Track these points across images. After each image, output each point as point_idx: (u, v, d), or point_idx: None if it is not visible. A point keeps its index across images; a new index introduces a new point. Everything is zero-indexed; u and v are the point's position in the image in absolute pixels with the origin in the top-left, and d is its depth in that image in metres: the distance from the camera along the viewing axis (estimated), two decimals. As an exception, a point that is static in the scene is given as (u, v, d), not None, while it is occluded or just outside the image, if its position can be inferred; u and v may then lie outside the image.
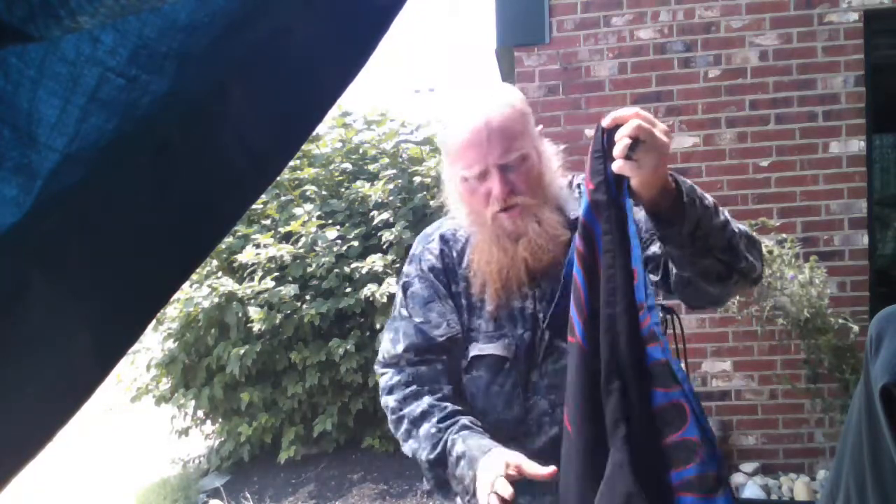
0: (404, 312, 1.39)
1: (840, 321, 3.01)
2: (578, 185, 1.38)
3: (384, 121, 5.16)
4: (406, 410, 1.31)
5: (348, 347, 4.07)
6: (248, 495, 4.03)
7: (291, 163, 5.12)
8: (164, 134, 0.47)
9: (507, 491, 1.07)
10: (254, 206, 4.97)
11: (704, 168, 3.57)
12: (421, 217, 4.50)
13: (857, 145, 3.48)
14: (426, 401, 1.30)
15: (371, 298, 4.10)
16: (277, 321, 4.13)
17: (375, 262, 4.18)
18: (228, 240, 4.59)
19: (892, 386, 0.95)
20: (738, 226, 1.24)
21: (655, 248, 1.29)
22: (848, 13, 3.45)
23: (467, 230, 1.37)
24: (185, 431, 4.69)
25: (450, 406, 1.30)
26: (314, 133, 5.14)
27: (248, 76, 0.48)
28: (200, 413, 4.68)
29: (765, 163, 3.54)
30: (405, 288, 1.41)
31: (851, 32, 3.46)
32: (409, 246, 4.84)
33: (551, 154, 1.37)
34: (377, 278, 4.19)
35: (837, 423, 3.14)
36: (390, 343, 1.40)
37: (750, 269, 1.23)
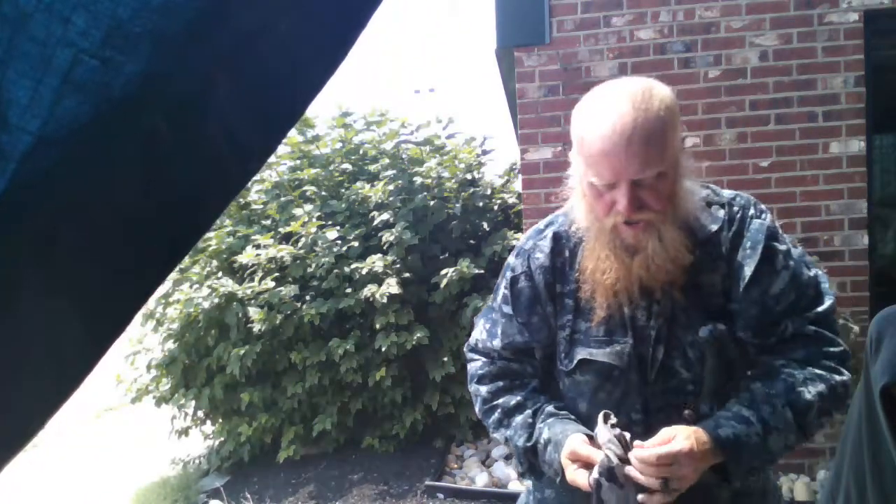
0: (507, 309, 1.37)
1: (840, 321, 2.99)
2: (723, 205, 1.31)
3: (384, 121, 5.15)
4: (500, 401, 1.37)
5: (348, 347, 4.07)
6: (248, 495, 4.02)
7: (292, 163, 5.12)
8: (151, 123, 0.47)
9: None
10: (254, 207, 4.97)
11: (704, 168, 3.56)
12: (421, 217, 4.50)
13: (857, 145, 3.47)
14: (519, 393, 1.36)
15: (371, 299, 4.09)
16: (277, 321, 4.12)
17: (375, 262, 4.17)
18: (228, 240, 4.59)
19: (892, 386, 0.94)
20: (816, 401, 1.17)
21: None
22: (848, 13, 3.45)
23: (582, 230, 1.28)
24: (185, 431, 4.69)
25: (541, 398, 1.36)
26: (314, 133, 5.14)
27: (233, 67, 0.48)
28: (200, 413, 4.68)
29: (765, 163, 3.53)
30: (512, 283, 1.36)
31: (851, 33, 3.45)
32: (410, 247, 4.81)
33: (689, 166, 1.27)
34: (377, 279, 4.18)
35: (837, 423, 3.12)
36: (486, 334, 1.41)
37: (825, 423, 1.22)
